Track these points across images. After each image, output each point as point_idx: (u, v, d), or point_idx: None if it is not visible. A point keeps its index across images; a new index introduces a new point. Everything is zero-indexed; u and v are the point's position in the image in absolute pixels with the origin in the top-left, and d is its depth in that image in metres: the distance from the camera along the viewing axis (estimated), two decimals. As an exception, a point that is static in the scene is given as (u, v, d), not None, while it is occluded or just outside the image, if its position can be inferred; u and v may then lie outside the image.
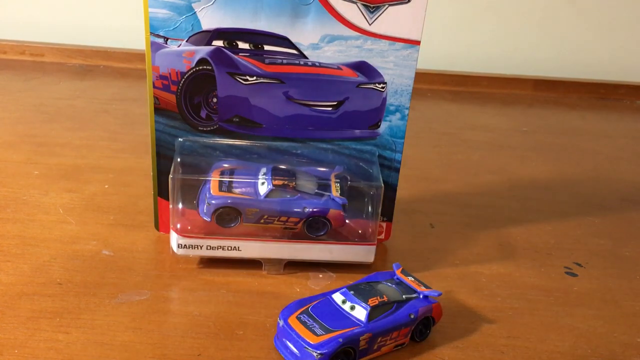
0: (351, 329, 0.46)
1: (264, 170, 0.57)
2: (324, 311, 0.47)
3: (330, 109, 0.57)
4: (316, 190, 0.57)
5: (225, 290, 0.55)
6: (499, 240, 0.66)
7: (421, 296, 0.50)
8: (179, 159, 0.57)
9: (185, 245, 0.56)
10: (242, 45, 0.55)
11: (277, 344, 0.48)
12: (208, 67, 0.55)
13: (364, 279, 0.52)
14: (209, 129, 0.57)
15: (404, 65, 0.55)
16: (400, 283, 0.51)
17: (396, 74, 0.56)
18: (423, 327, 0.49)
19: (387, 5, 0.53)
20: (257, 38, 0.54)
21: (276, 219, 0.56)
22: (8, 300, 0.51)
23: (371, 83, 0.56)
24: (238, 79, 0.55)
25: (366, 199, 0.58)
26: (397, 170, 0.60)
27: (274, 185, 0.55)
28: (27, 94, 0.98)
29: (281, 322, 0.47)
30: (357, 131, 0.58)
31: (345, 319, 0.47)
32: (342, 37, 0.54)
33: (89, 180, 0.72)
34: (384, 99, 0.57)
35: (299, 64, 0.55)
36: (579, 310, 0.56)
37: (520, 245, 0.65)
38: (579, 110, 1.12)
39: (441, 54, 1.17)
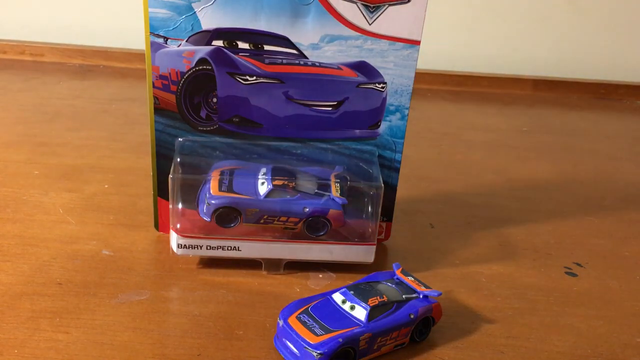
0: (351, 329, 0.46)
1: (264, 170, 0.57)
2: (323, 311, 0.47)
3: (330, 109, 0.57)
4: (316, 190, 0.57)
5: (225, 290, 0.55)
6: (499, 240, 0.66)
7: (421, 296, 0.50)
8: (179, 159, 0.57)
9: (185, 245, 0.56)
10: (242, 45, 0.55)
11: (277, 344, 0.48)
12: (208, 67, 0.55)
13: (364, 279, 0.52)
14: (209, 129, 0.57)
15: (404, 65, 0.55)
16: (400, 283, 0.51)
17: (396, 74, 0.56)
18: (423, 327, 0.49)
19: (387, 5, 0.53)
20: (257, 38, 0.54)
21: (276, 219, 0.56)
22: (8, 300, 0.51)
23: (371, 83, 0.56)
24: (238, 79, 0.55)
25: (366, 199, 0.58)
26: (397, 170, 0.60)
27: (274, 185, 0.55)
28: (27, 94, 0.98)
29: (281, 322, 0.47)
30: (357, 131, 0.58)
31: (345, 319, 0.47)
32: (342, 37, 0.54)
33: (89, 180, 0.72)
34: (384, 99, 0.57)
35: (299, 64, 0.55)
36: (579, 310, 0.56)
37: (520, 245, 0.65)
38: (579, 110, 1.12)
39: (441, 54, 1.17)
